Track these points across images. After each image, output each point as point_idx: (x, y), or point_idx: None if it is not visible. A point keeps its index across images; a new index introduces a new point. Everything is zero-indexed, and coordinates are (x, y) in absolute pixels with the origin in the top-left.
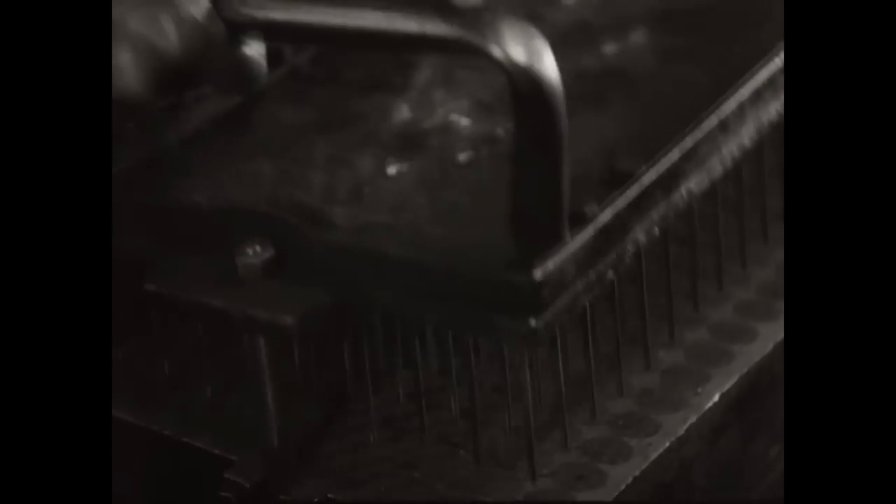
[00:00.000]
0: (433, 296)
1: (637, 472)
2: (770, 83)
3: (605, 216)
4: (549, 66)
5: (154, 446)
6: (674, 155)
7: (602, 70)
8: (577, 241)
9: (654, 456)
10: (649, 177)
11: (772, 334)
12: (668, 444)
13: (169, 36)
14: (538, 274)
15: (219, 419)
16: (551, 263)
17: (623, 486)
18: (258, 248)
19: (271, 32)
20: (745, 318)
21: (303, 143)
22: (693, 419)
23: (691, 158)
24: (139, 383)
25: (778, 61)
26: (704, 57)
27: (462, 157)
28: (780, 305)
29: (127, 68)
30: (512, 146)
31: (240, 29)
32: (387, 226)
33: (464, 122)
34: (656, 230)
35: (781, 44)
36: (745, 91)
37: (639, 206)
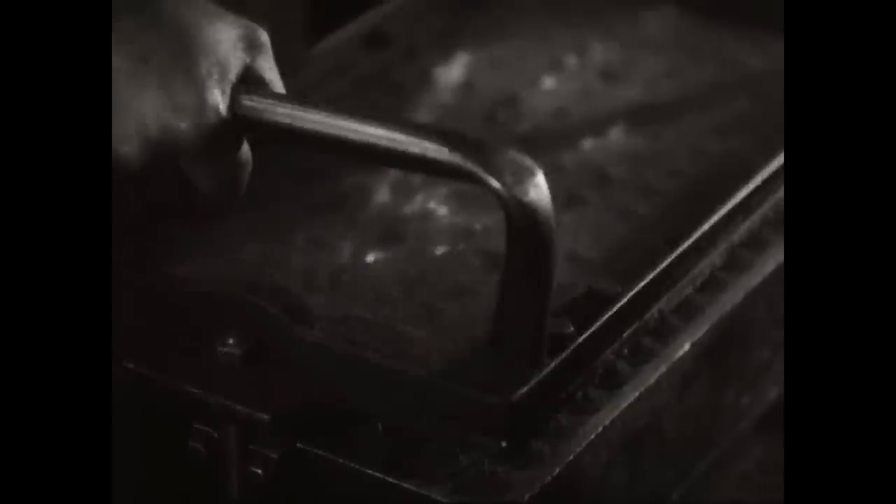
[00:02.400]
0: (409, 401)
1: (607, 422)
2: (742, 207)
3: (581, 339)
4: (544, 203)
5: (126, 389)
6: (650, 277)
7: (578, 166)
8: (553, 365)
9: (624, 405)
10: (625, 299)
11: (743, 283)
12: (637, 393)
13: (182, 117)
14: (514, 397)
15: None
16: (527, 387)
17: (593, 436)
18: (238, 338)
19: (277, 134)
20: (717, 267)
21: (285, 223)
22: (663, 369)
23: (666, 280)
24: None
25: (751, 185)
26: (680, 164)
27: (439, 250)
28: (752, 255)
29: (127, 135)
30: (488, 244)
31: (248, 128)
32: (365, 321)
33: (441, 211)
34: (626, 351)
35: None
36: (717, 217)
37: (613, 326)
